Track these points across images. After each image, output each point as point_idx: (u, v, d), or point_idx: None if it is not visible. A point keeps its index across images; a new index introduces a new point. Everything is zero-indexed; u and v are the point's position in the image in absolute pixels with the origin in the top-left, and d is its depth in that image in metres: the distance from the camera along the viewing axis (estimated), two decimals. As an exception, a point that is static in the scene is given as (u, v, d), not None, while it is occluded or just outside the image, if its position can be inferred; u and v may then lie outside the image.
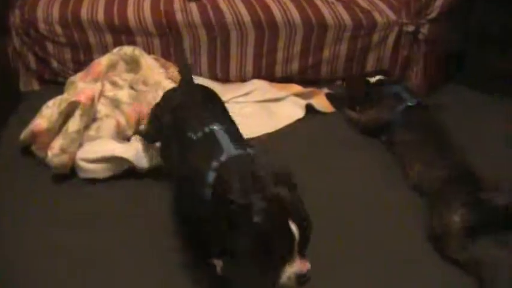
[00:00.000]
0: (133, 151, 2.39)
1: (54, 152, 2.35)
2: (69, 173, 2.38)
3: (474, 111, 2.96)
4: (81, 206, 2.25)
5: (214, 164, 1.67)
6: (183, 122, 1.93)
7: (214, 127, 1.82)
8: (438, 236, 2.07)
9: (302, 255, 1.49)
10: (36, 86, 3.06)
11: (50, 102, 2.49)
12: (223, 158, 1.68)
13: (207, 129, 1.82)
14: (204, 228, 1.72)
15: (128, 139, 2.53)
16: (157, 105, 2.30)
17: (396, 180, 2.43)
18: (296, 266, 1.47)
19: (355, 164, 2.56)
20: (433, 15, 2.87)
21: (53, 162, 2.35)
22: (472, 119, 2.88)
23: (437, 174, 2.27)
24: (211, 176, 1.65)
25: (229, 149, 1.72)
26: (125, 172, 2.39)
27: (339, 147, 2.66)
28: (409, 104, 2.58)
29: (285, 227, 1.46)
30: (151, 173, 2.38)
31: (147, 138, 2.40)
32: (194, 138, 1.81)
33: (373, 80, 2.84)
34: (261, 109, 2.88)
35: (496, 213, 2.10)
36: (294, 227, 1.46)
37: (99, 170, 2.37)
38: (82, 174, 2.38)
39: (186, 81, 2.27)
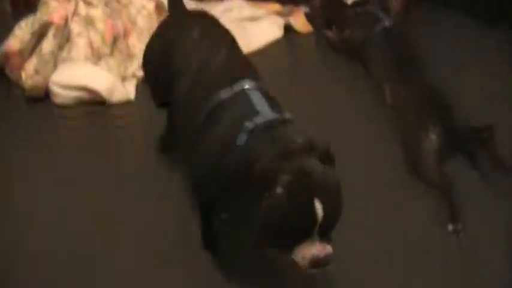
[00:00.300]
0: (106, 82, 2.38)
1: (28, 73, 2.34)
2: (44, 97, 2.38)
3: (445, 31, 2.96)
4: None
5: (248, 125, 1.47)
6: (201, 77, 1.67)
7: (246, 85, 1.59)
8: (414, 156, 2.09)
9: (324, 238, 1.35)
10: (8, 8, 2.99)
11: (23, 23, 2.45)
12: (258, 120, 1.48)
13: (236, 88, 1.58)
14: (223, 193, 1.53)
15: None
16: (151, 48, 1.93)
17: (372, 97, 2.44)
18: (314, 248, 1.33)
19: (330, 84, 2.56)
20: None
21: (27, 83, 2.34)
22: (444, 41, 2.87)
23: (409, 92, 2.27)
24: (242, 139, 1.46)
25: (264, 111, 1.51)
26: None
27: (314, 68, 2.66)
28: (386, 23, 2.56)
29: (308, 204, 1.31)
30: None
31: (155, 100, 1.98)
32: (221, 98, 1.57)
33: (350, 0, 2.81)
34: (238, 28, 2.83)
35: (468, 137, 2.12)
36: (318, 206, 1.31)
37: (70, 97, 2.36)
38: (54, 99, 2.37)
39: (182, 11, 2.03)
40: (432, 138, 2.08)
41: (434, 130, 2.08)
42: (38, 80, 2.34)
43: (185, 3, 2.82)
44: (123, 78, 2.50)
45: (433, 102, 2.20)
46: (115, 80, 2.41)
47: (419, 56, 2.45)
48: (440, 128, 2.08)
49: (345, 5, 2.80)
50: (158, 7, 2.75)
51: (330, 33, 2.79)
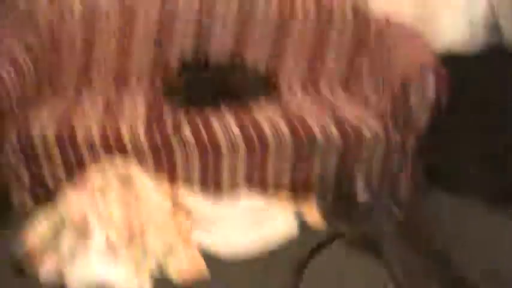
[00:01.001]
0: (123, 278, 2.40)
1: (46, 268, 2.35)
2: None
3: (458, 216, 3.02)
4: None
5: None
6: None
7: None
8: None
9: None
10: (29, 202, 3.08)
11: (43, 219, 2.51)
12: None
13: None
14: None
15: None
16: None
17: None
18: None
19: (347, 279, 2.55)
20: (418, 127, 2.96)
21: (44, 280, 2.34)
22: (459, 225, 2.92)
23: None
24: None
25: None
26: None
27: (329, 263, 2.67)
28: (398, 217, 2.62)
29: None
30: None
31: None
32: None
33: (361, 195, 2.90)
34: (253, 228, 2.90)
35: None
36: None
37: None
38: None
39: None
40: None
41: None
42: (55, 276, 2.35)
43: (198, 200, 2.95)
44: (139, 275, 2.50)
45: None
46: (131, 276, 2.42)
47: (437, 244, 2.48)
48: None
49: (357, 201, 2.88)
50: (175, 205, 2.83)
51: (343, 228, 2.83)
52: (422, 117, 2.92)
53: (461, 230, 2.89)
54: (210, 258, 2.67)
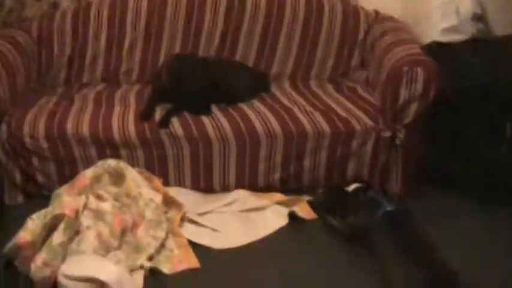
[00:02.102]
0: (115, 274, 2.38)
1: (37, 265, 2.34)
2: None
3: (446, 213, 3.05)
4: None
5: None
6: None
7: None
8: None
9: None
10: (20, 199, 3.08)
11: (35, 215, 2.50)
12: None
13: None
14: None
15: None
16: None
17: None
18: None
19: (337, 271, 2.58)
20: (407, 120, 2.97)
21: (36, 276, 2.34)
22: (447, 222, 2.95)
23: (419, 278, 2.29)
24: None
25: None
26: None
27: (320, 255, 2.69)
28: (387, 209, 2.63)
29: None
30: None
31: None
32: None
33: (351, 188, 2.92)
34: (243, 219, 2.91)
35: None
36: None
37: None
38: (63, 291, 2.38)
39: None
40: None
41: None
42: (47, 272, 2.35)
43: (188, 195, 2.96)
44: (132, 270, 2.51)
45: (443, 284, 2.22)
46: (123, 272, 2.42)
47: (425, 238, 2.50)
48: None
49: (347, 192, 2.89)
50: (165, 200, 2.83)
51: (333, 220, 2.84)
52: (411, 110, 2.93)
53: (450, 225, 2.92)
54: (201, 250, 2.69)
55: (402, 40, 3.26)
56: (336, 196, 2.95)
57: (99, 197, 2.74)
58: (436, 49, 3.20)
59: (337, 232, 2.81)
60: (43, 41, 3.54)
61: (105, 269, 2.40)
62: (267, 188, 3.11)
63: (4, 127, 2.98)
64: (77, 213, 2.53)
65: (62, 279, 2.36)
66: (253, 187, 3.11)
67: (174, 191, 2.97)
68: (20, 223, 2.47)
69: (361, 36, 3.64)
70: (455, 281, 2.24)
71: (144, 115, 3.03)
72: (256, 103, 3.23)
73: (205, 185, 3.10)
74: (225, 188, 3.11)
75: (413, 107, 2.94)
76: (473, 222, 2.97)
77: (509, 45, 3.19)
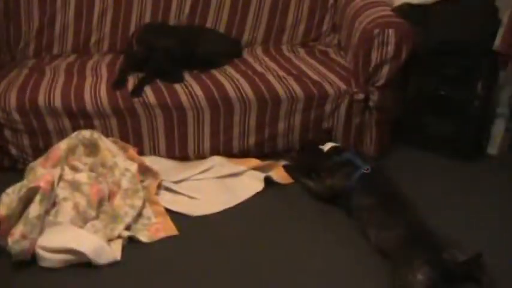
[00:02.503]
0: (93, 244, 2.41)
1: (15, 238, 2.34)
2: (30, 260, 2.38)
3: (420, 171, 3.12)
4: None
5: None
6: None
7: None
8: None
9: None
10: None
11: (10, 190, 2.50)
12: None
13: None
14: None
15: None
16: None
17: (359, 246, 2.49)
18: None
19: (315, 234, 2.61)
20: (380, 82, 2.98)
21: (14, 249, 2.34)
22: (421, 180, 3.02)
23: (392, 235, 2.33)
24: None
25: None
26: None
27: (298, 218, 2.72)
28: (363, 170, 2.66)
29: None
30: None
31: None
32: None
33: (326, 147, 2.93)
34: (220, 185, 2.93)
35: (457, 270, 2.15)
36: None
37: (56, 261, 2.38)
38: (41, 263, 2.38)
39: None
40: (420, 279, 2.10)
41: (422, 270, 2.11)
42: (24, 244, 2.35)
43: (164, 163, 2.95)
44: (110, 240, 2.51)
45: (419, 241, 2.25)
46: (101, 242, 2.44)
47: (401, 195, 2.54)
48: (428, 267, 2.11)
49: (323, 153, 2.90)
50: (141, 169, 2.83)
51: (310, 183, 2.86)
52: (384, 72, 2.95)
53: (424, 183, 2.97)
54: (179, 218, 2.70)
55: (373, 3, 3.25)
56: (311, 156, 2.96)
57: (75, 168, 2.73)
58: (407, 10, 3.21)
59: (314, 194, 2.84)
60: (10, 14, 3.47)
61: (82, 239, 2.42)
62: (242, 154, 3.12)
63: (-25, 101, 2.95)
64: (52, 185, 2.51)
65: (39, 251, 2.37)
66: (228, 153, 3.12)
67: (149, 160, 2.96)
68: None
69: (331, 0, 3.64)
70: (432, 237, 2.28)
71: (117, 84, 3.01)
72: (229, 69, 3.22)
73: (180, 153, 3.10)
74: (200, 156, 3.12)
75: (386, 68, 2.95)
76: (445, 180, 3.04)
77: (480, 3, 3.20)
